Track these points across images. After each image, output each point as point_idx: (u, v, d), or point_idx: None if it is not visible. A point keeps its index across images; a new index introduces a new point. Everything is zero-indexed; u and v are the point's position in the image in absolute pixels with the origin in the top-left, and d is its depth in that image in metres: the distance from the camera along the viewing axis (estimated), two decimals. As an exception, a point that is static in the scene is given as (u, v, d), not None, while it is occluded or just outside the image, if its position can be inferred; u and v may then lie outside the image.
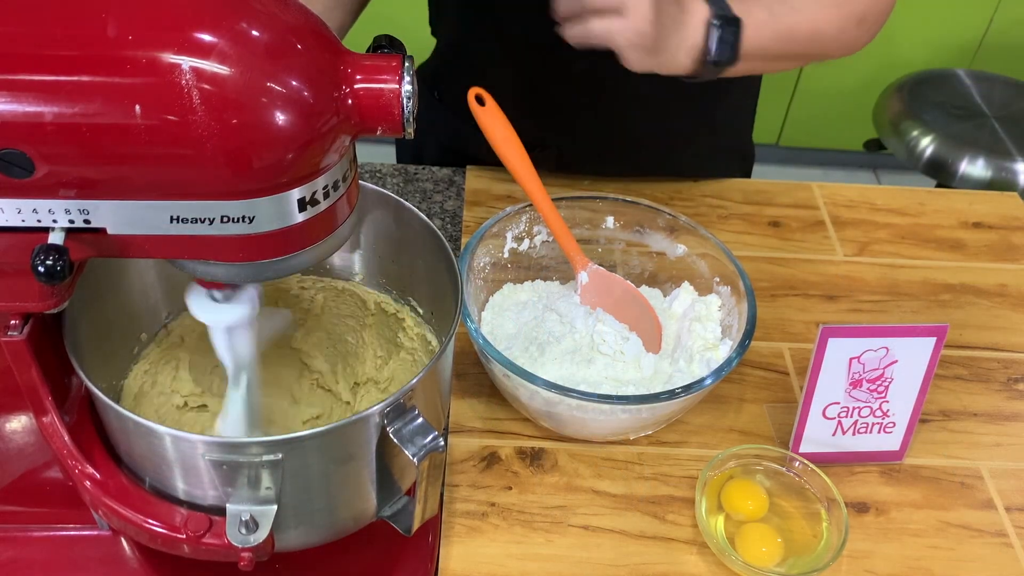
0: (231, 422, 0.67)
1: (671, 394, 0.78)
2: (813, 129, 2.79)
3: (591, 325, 0.88)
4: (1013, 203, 1.20)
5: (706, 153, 1.19)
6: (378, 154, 1.30)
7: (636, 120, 1.12)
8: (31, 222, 0.50)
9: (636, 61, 0.82)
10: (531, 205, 0.91)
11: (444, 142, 1.21)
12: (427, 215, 0.72)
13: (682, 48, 0.83)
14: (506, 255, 0.95)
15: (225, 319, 0.62)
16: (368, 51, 0.53)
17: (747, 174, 1.28)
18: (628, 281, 0.92)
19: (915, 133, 2.01)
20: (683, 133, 1.16)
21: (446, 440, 0.83)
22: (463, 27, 1.14)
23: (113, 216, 0.50)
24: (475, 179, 1.15)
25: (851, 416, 0.83)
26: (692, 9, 0.83)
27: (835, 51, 0.95)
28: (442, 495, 0.81)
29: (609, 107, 1.10)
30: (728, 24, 0.84)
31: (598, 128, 1.13)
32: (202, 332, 0.78)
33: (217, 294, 0.61)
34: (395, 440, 0.58)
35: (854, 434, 0.84)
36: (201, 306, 0.61)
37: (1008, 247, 1.13)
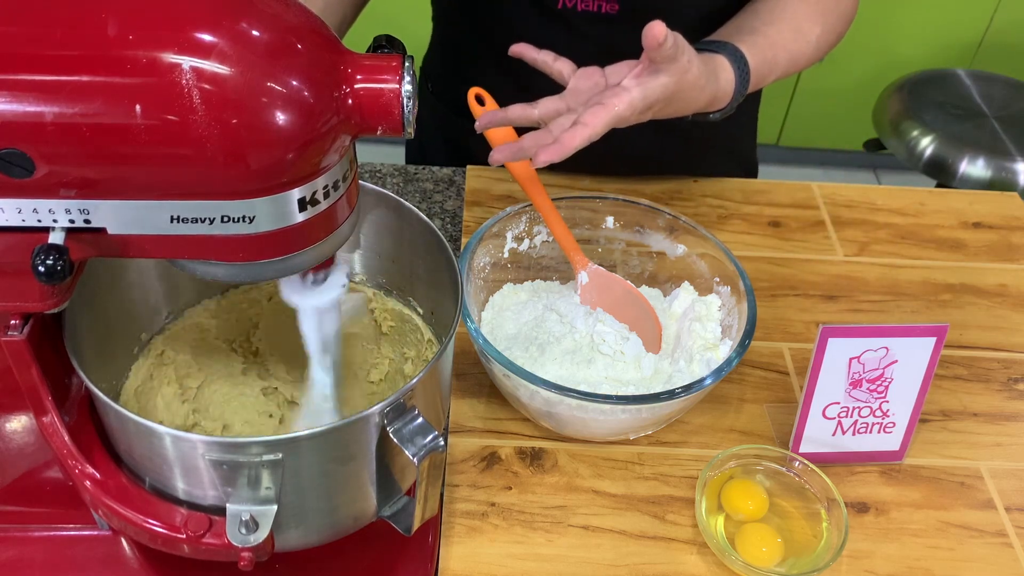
0: (316, 404, 0.69)
1: (671, 394, 0.78)
2: (813, 129, 2.79)
3: (591, 325, 0.88)
4: (1013, 203, 1.20)
5: (696, 161, 1.19)
6: (379, 154, 1.30)
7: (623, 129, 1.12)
8: (31, 222, 0.50)
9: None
10: (531, 205, 0.91)
11: (445, 136, 1.22)
12: (427, 215, 0.72)
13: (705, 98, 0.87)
14: (506, 255, 0.95)
15: (318, 302, 0.62)
16: (368, 51, 0.53)
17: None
18: (628, 281, 0.92)
19: (915, 133, 2.01)
20: (673, 137, 1.16)
21: (446, 440, 0.83)
22: (452, 22, 1.16)
23: (113, 216, 0.50)
24: (475, 179, 1.15)
25: (851, 416, 0.83)
26: (724, 86, 0.88)
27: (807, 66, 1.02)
28: (442, 495, 0.81)
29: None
30: (745, 72, 0.89)
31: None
32: (202, 334, 0.79)
33: (311, 278, 0.62)
34: (395, 440, 0.58)
35: (854, 434, 0.84)
36: (295, 291, 0.62)
37: (1008, 247, 1.13)
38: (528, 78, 1.09)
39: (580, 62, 1.01)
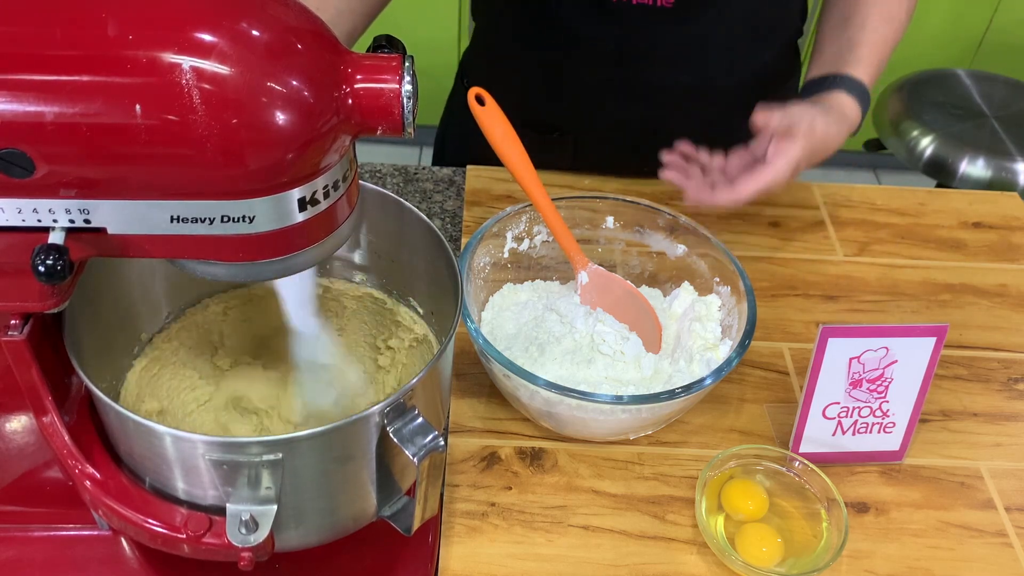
0: (312, 360, 0.70)
1: (671, 394, 0.78)
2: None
3: (591, 325, 0.88)
4: (1013, 203, 1.20)
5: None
6: (379, 154, 1.30)
7: (657, 114, 1.13)
8: (31, 222, 0.50)
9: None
10: (531, 205, 0.91)
11: (468, 138, 1.22)
12: (427, 215, 0.72)
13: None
14: (506, 255, 0.95)
15: None
16: (368, 51, 0.53)
17: None
18: (628, 281, 0.92)
19: (915, 133, 2.01)
20: (703, 133, 1.17)
21: (446, 440, 0.83)
22: (493, 18, 1.16)
23: (113, 216, 0.50)
24: (475, 179, 1.15)
25: (851, 416, 0.83)
26: (852, 117, 1.00)
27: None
28: (442, 495, 0.81)
29: (629, 97, 1.11)
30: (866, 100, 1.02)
31: (616, 118, 1.14)
32: (201, 333, 0.79)
33: None
34: (395, 440, 0.58)
35: (854, 434, 0.84)
36: None
37: (1008, 247, 1.13)
38: (564, 62, 1.09)
39: (630, 58, 1.07)
